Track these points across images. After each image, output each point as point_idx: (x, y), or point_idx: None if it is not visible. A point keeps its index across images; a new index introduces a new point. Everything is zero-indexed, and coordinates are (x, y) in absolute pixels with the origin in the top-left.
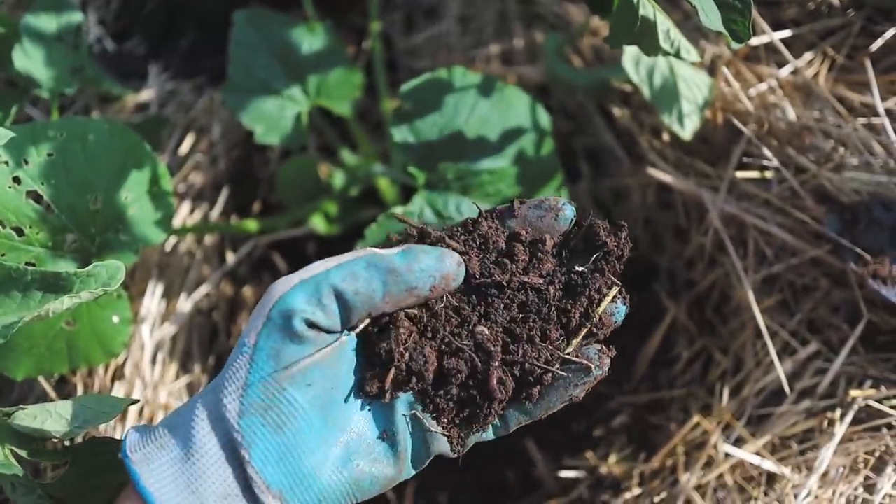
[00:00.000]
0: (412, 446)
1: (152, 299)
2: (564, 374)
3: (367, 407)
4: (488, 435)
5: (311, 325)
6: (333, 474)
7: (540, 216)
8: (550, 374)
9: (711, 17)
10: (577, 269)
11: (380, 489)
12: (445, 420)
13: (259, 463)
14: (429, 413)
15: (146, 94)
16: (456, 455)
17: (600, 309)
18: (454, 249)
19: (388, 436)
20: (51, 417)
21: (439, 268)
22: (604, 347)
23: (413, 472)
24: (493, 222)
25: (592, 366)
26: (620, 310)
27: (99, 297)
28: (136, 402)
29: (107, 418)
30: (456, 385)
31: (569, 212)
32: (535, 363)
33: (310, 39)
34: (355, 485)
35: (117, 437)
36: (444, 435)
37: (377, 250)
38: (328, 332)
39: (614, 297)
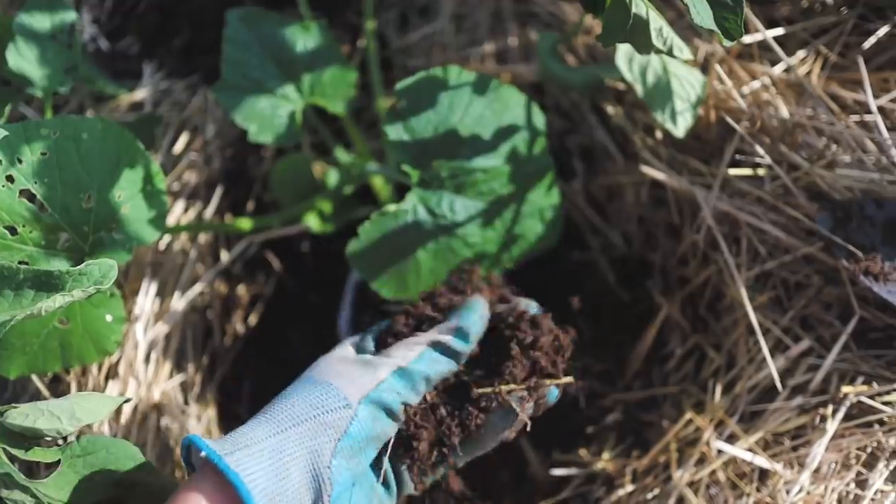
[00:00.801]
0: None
1: (146, 298)
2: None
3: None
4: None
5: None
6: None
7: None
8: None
9: (703, 15)
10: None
11: None
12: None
13: (335, 499)
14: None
15: (140, 93)
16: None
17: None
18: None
19: (385, 482)
20: (43, 416)
21: (479, 330)
22: (525, 395)
23: None
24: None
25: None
26: (553, 393)
27: (92, 295)
28: (129, 400)
29: (99, 417)
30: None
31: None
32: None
33: (304, 38)
34: None
35: (106, 434)
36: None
37: (434, 335)
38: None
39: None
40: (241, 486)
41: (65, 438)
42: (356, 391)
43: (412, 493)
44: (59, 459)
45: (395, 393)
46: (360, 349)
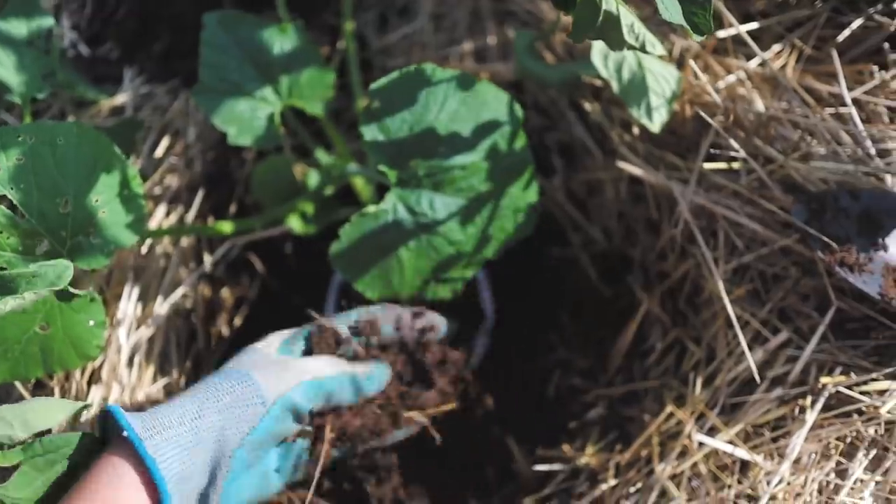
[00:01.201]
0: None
1: (129, 302)
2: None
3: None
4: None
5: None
6: (253, 489)
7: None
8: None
9: (672, 11)
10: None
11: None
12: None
13: (227, 484)
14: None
15: (121, 98)
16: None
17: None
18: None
19: (281, 469)
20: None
21: (382, 385)
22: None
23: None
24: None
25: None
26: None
27: (69, 299)
28: (88, 406)
29: (54, 422)
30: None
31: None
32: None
33: (281, 40)
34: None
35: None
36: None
37: (356, 372)
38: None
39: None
40: (157, 473)
41: (22, 442)
42: (273, 390)
43: (297, 479)
44: (19, 461)
45: (306, 400)
46: (284, 348)
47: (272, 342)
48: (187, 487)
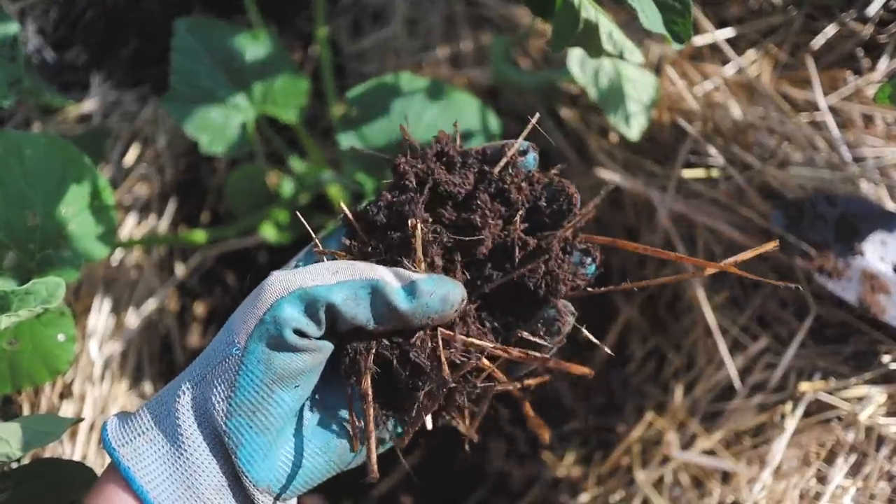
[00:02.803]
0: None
1: (99, 315)
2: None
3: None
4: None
5: (302, 334)
6: (316, 457)
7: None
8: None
9: (652, 19)
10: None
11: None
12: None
13: (245, 463)
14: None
15: (88, 105)
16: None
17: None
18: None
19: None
20: None
21: (441, 310)
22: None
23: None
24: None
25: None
26: (591, 268)
27: (40, 314)
28: (81, 420)
29: (50, 439)
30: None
31: (530, 159)
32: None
33: (253, 46)
34: (338, 459)
35: (65, 456)
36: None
37: (384, 275)
38: (314, 338)
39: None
40: (138, 487)
41: (18, 460)
42: (243, 328)
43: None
44: (11, 484)
45: (283, 325)
46: (307, 259)
47: (291, 262)
48: (193, 483)
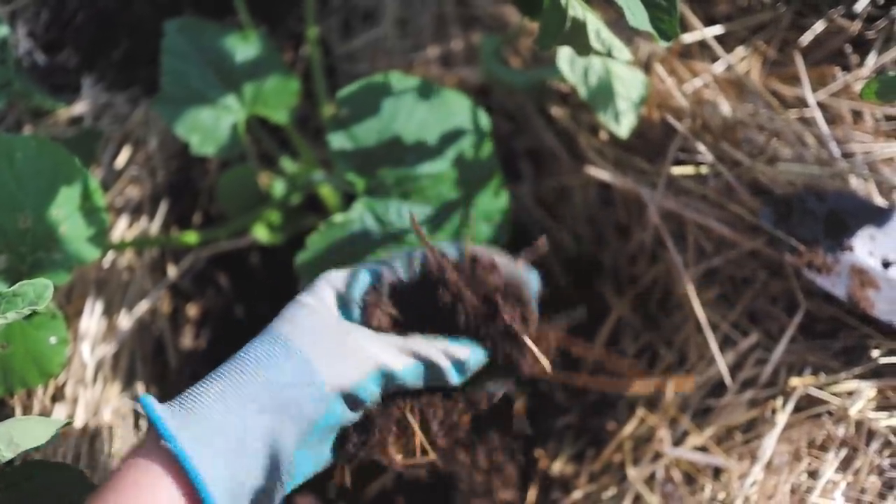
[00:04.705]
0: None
1: (91, 317)
2: None
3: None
4: None
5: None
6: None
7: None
8: None
9: (638, 17)
10: None
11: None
12: None
13: (289, 487)
14: None
15: (80, 107)
16: None
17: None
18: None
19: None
20: None
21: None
22: None
23: None
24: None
25: None
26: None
27: (31, 317)
28: (70, 423)
29: (40, 441)
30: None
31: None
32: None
33: (244, 47)
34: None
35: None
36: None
37: (439, 359)
38: None
39: None
40: (202, 487)
41: (10, 462)
42: (334, 381)
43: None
44: (2, 486)
45: (371, 392)
46: (343, 305)
47: (324, 295)
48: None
